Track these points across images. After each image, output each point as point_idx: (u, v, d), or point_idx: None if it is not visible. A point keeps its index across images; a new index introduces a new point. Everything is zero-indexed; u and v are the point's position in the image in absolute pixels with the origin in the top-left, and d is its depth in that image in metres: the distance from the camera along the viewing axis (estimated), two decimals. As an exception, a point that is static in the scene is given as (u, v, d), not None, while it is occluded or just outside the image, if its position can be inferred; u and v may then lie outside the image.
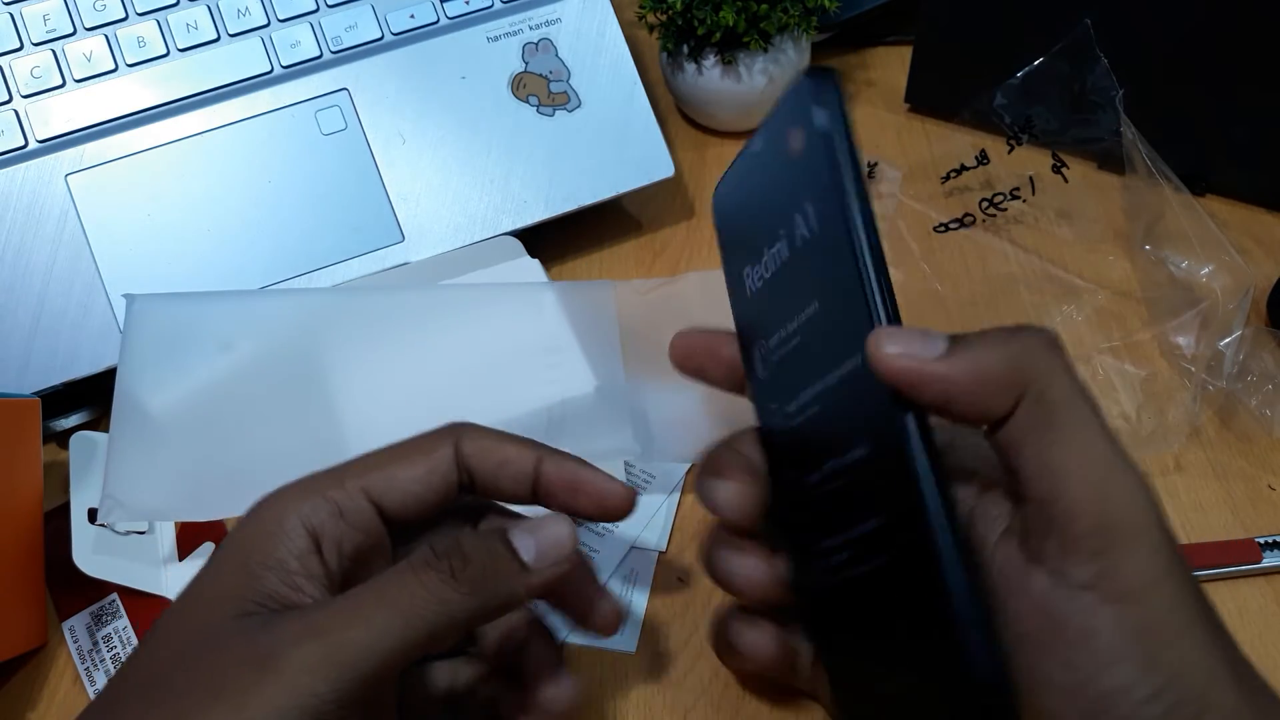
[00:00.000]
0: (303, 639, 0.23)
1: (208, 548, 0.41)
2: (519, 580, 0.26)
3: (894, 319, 0.24)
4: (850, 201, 0.24)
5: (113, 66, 0.48)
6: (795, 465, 0.27)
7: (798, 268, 0.26)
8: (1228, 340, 0.44)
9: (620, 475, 0.41)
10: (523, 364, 0.41)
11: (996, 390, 0.24)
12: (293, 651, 0.22)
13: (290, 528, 0.25)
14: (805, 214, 0.26)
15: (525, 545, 0.26)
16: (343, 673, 0.22)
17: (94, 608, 0.41)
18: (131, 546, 0.40)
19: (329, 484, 0.27)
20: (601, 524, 0.42)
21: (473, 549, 0.25)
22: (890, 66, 0.63)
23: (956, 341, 0.24)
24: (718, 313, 0.47)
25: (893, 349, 0.23)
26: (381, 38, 0.51)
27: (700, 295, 0.45)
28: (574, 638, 0.39)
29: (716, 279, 0.47)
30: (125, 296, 0.41)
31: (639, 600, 0.40)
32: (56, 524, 0.41)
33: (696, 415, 0.39)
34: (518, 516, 0.31)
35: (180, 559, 0.41)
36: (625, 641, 0.39)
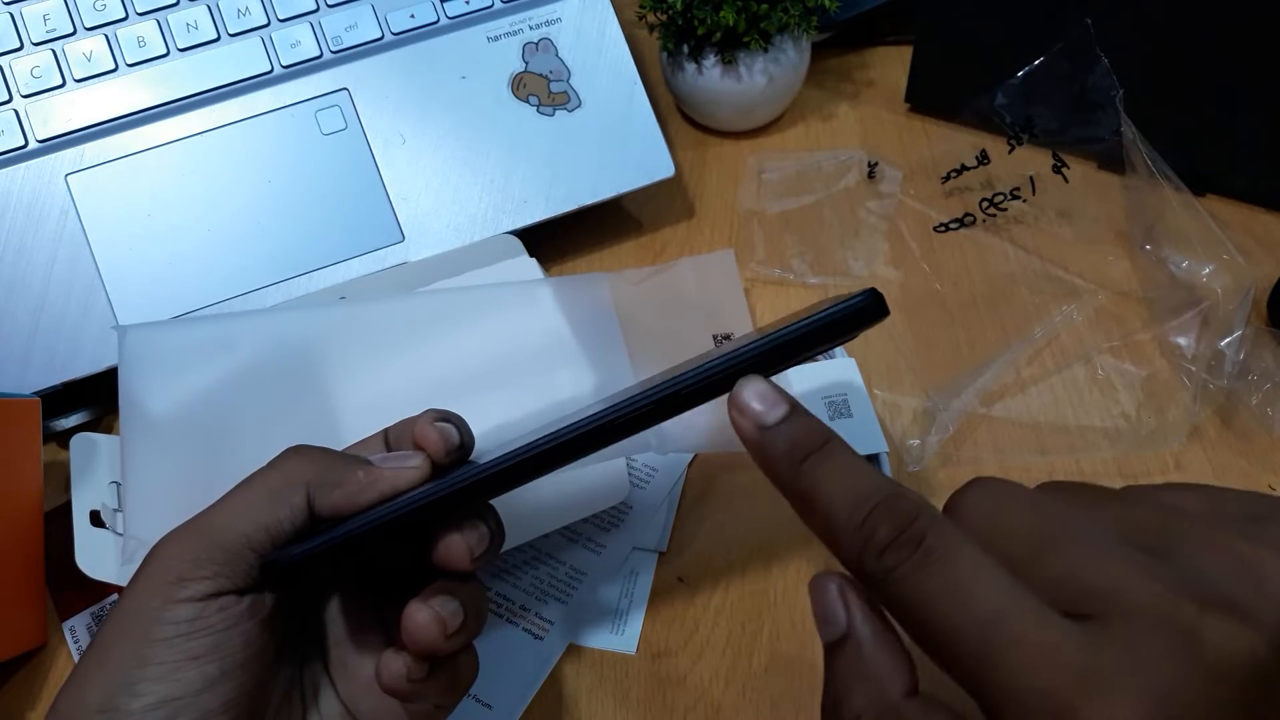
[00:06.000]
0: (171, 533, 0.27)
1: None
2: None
3: None
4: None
5: (113, 66, 0.48)
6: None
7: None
8: (1228, 340, 0.44)
9: (622, 471, 0.41)
10: (525, 363, 0.40)
11: None
12: (163, 540, 0.27)
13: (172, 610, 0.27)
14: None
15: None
16: (198, 540, 0.27)
17: (94, 608, 0.41)
18: (132, 547, 0.40)
19: (199, 543, 0.28)
20: (603, 526, 0.42)
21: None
22: (890, 66, 0.63)
23: None
24: (712, 296, 0.47)
25: None
26: (382, 38, 0.51)
27: (694, 280, 0.45)
28: (576, 638, 0.39)
29: (708, 263, 0.47)
30: (116, 329, 0.40)
31: (639, 600, 0.40)
32: (57, 524, 0.41)
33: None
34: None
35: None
36: (625, 642, 0.39)
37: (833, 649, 0.22)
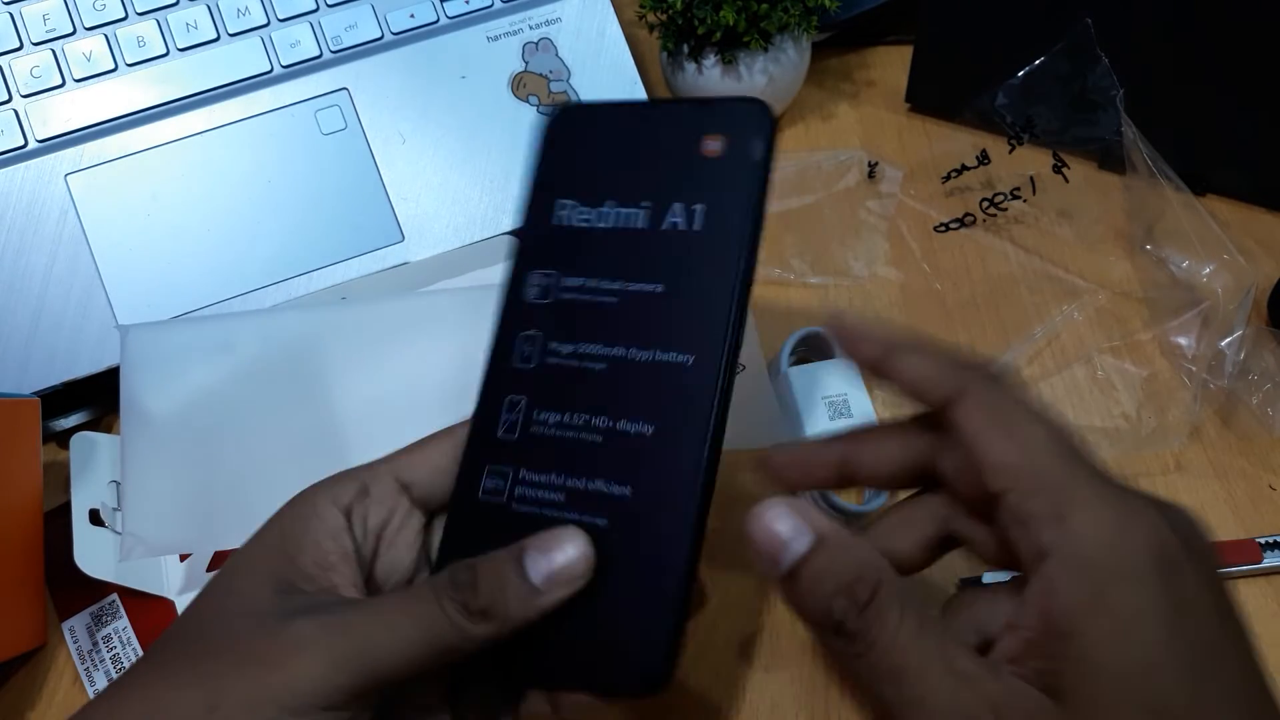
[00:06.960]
0: (334, 631, 0.24)
1: (207, 550, 0.41)
2: (530, 605, 0.26)
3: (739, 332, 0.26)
4: (752, 231, 0.27)
5: (112, 66, 0.48)
6: (547, 404, 0.28)
7: (652, 244, 0.28)
8: (1229, 340, 0.44)
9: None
10: None
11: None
12: (323, 640, 0.24)
13: (323, 508, 0.27)
14: (692, 209, 0.28)
15: (536, 568, 0.26)
16: (362, 668, 0.24)
17: (94, 608, 0.41)
18: (131, 547, 0.40)
19: (359, 471, 0.28)
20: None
21: (485, 579, 0.26)
22: (891, 66, 0.63)
23: None
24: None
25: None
26: (381, 37, 0.51)
27: None
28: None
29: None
30: (117, 328, 0.40)
31: (639, 600, 0.40)
32: (57, 524, 0.40)
33: None
34: None
35: (180, 560, 0.41)
36: (626, 641, 0.39)
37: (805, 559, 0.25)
